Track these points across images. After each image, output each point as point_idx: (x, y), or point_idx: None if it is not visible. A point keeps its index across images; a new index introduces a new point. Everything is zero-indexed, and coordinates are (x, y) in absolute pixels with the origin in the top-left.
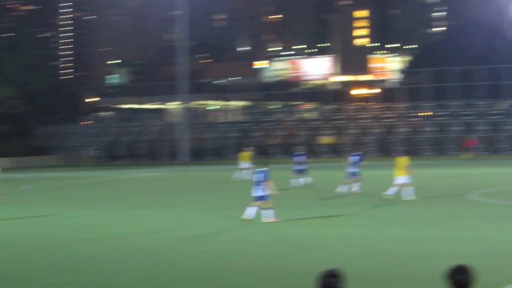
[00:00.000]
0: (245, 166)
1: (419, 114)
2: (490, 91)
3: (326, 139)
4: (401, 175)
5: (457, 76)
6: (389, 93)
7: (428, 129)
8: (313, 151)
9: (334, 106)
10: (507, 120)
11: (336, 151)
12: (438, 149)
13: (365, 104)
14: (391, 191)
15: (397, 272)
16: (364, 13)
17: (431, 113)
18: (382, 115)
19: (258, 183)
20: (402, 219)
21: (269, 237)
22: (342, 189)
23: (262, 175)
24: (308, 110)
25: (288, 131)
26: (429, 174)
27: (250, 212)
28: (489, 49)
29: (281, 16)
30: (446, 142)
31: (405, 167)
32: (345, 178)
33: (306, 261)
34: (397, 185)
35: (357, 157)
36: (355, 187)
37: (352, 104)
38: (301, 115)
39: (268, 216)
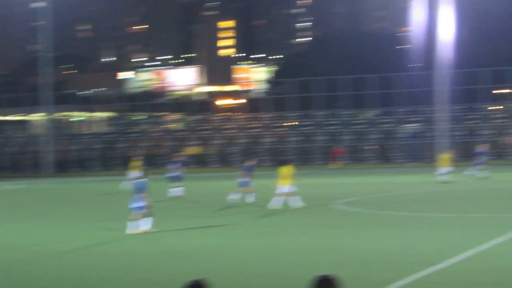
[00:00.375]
0: (135, 176)
1: (285, 124)
2: (354, 101)
3: (192, 150)
4: (285, 185)
5: (322, 85)
6: (254, 103)
7: (293, 138)
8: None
9: (199, 117)
10: (371, 130)
11: (201, 162)
12: (303, 159)
13: (231, 114)
14: (276, 201)
15: (264, 282)
16: (229, 23)
17: (297, 123)
18: (248, 125)
19: (136, 193)
20: (275, 228)
21: (147, 248)
22: (233, 196)
23: (141, 185)
24: (173, 120)
25: (153, 142)
26: (296, 184)
27: (144, 224)
28: (353, 59)
29: (147, 26)
30: (311, 152)
31: (290, 176)
32: (236, 187)
33: (177, 272)
34: (281, 194)
35: (248, 167)
36: (250, 198)
37: (218, 114)
38: (166, 126)
39: (135, 227)
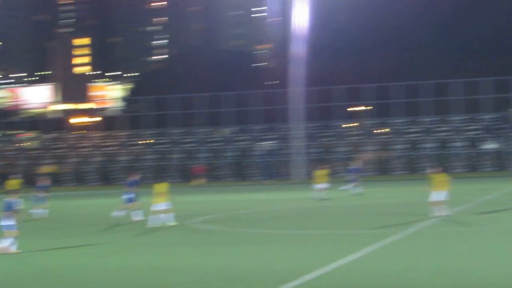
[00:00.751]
0: (14, 195)
1: (140, 142)
2: (210, 118)
3: (46, 168)
4: (160, 202)
5: (178, 103)
6: (110, 121)
7: (149, 156)
8: (33, 180)
9: (54, 135)
10: (228, 147)
11: (56, 180)
12: (159, 177)
13: (86, 132)
14: (153, 219)
15: None
16: (84, 41)
17: (153, 140)
18: (103, 144)
19: (5, 212)
20: (135, 247)
21: (13, 268)
22: (117, 213)
23: (11, 204)
24: (28, 139)
25: (7, 161)
26: (150, 202)
27: (6, 245)
28: (210, 77)
29: (0, 43)
30: (167, 170)
31: (165, 193)
32: (121, 204)
33: None
34: (158, 211)
35: (132, 182)
36: (138, 216)
37: (73, 132)
38: (21, 144)
39: (7, 246)
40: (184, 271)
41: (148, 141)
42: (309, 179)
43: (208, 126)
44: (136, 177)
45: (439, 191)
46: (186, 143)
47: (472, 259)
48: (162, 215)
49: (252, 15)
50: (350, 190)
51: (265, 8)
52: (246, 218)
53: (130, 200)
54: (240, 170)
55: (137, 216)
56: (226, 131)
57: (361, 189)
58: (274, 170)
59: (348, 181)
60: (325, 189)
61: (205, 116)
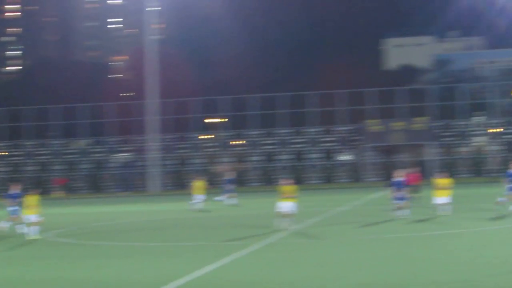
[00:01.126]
0: None
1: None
2: (65, 130)
3: None
4: (31, 214)
5: (32, 115)
6: None
7: (2, 169)
8: None
9: None
10: (83, 159)
11: None
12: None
13: None
14: (20, 228)
15: None
16: None
17: (6, 153)
18: None
19: None
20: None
21: None
22: (2, 225)
23: None
24: None
25: None
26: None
27: None
28: (65, 88)
29: None
30: (21, 182)
31: (36, 205)
32: (8, 216)
33: None
34: (32, 223)
35: (14, 195)
36: (4, 224)
37: None
38: None
39: None
40: (37, 284)
41: (0, 154)
42: (165, 190)
43: (63, 138)
44: (16, 189)
45: (289, 203)
46: (40, 155)
47: (322, 270)
48: (31, 228)
49: (108, 26)
50: (223, 201)
51: (121, 19)
52: (101, 231)
53: (14, 213)
54: (96, 182)
55: (23, 229)
56: (82, 143)
57: (235, 201)
58: (130, 182)
59: (225, 192)
60: (202, 200)
61: (60, 128)
